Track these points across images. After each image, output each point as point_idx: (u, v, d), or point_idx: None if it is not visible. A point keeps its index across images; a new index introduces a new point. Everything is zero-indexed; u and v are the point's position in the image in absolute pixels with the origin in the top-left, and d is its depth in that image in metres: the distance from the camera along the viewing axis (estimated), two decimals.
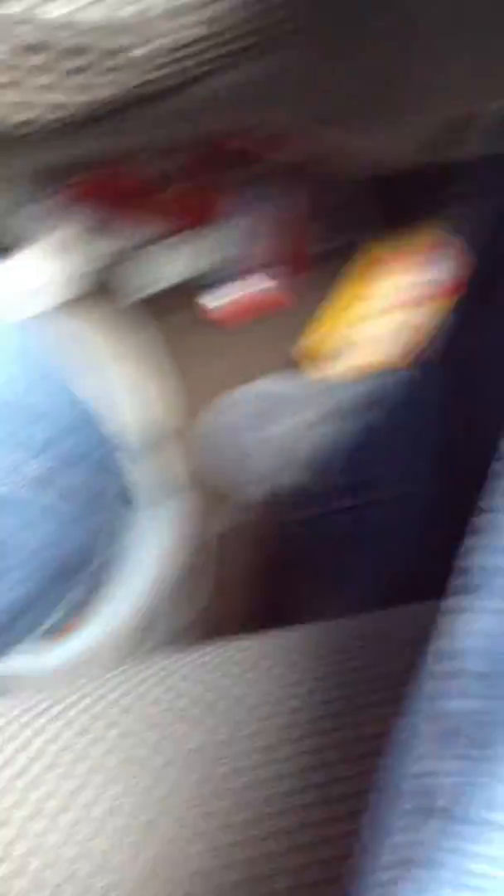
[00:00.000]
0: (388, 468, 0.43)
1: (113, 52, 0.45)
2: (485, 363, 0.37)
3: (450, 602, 0.18)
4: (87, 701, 0.31)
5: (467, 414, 0.38)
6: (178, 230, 0.78)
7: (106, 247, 0.77)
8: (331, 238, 0.78)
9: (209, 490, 0.70)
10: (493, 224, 0.35)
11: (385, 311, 0.77)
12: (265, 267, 0.76)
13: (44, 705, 0.32)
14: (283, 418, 0.71)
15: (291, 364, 0.74)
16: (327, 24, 0.48)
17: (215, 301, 0.77)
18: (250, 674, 0.29)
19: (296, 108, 0.57)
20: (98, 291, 0.77)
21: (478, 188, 0.35)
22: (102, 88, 0.48)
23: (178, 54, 0.49)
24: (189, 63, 0.51)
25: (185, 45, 0.49)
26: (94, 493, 0.49)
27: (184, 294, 0.77)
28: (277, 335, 0.76)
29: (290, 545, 0.55)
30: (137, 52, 0.47)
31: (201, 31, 0.48)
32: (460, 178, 0.81)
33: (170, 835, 0.26)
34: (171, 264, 0.78)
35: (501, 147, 0.69)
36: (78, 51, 0.44)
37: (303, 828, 0.25)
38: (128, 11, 0.44)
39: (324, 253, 0.78)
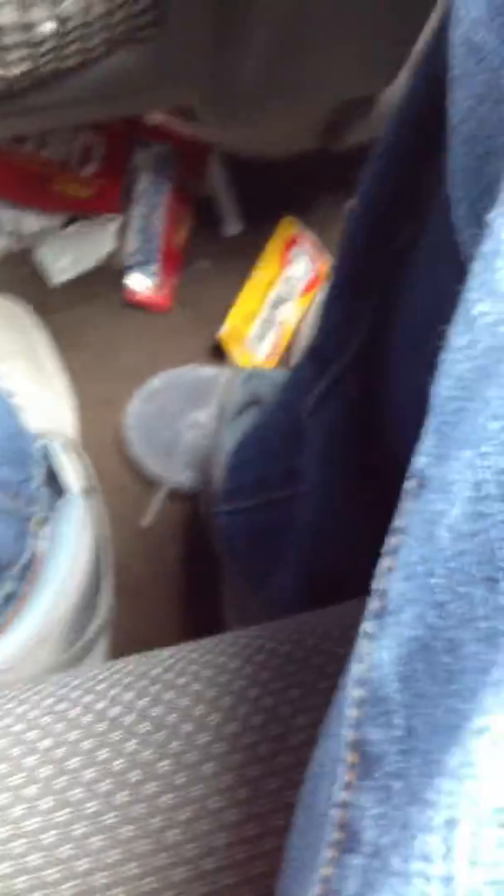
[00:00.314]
0: (309, 459, 0.42)
1: (24, 27, 0.43)
2: (388, 362, 0.37)
3: (365, 625, 0.18)
4: (26, 707, 0.30)
5: (376, 412, 0.38)
6: (93, 212, 0.76)
7: (23, 228, 0.75)
8: (247, 219, 0.78)
9: (136, 478, 0.69)
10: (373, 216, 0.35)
11: (302, 292, 0.77)
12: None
13: None
14: (209, 404, 0.70)
15: (217, 346, 0.74)
16: (212, 8, 0.48)
17: (140, 284, 0.75)
18: (171, 692, 0.29)
19: (190, 90, 0.56)
20: (19, 274, 0.75)
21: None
22: (14, 64, 0.46)
23: (88, 30, 0.48)
24: (96, 40, 0.49)
25: (92, 22, 0.47)
26: (18, 486, 0.48)
27: (109, 277, 0.76)
28: (203, 317, 0.75)
29: (220, 535, 0.54)
30: (48, 28, 0.45)
31: (104, 7, 0.47)
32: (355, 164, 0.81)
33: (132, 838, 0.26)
34: (94, 246, 0.76)
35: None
36: None
37: (235, 844, 0.25)
38: None
39: (240, 234, 0.77)
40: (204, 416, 0.70)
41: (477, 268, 0.17)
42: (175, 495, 0.68)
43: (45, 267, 0.76)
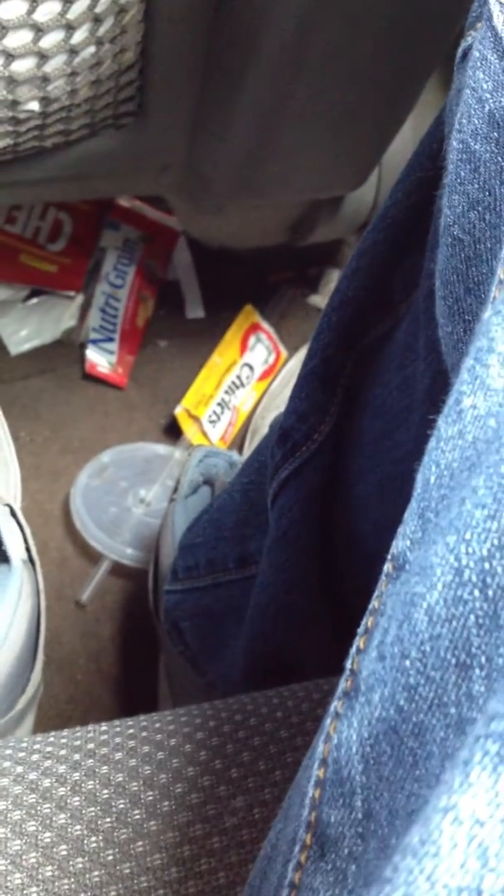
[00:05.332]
0: (267, 541, 0.42)
1: (10, 104, 0.44)
2: (353, 449, 0.37)
3: (334, 704, 0.18)
4: None
5: (335, 497, 0.38)
6: (56, 287, 0.77)
7: None
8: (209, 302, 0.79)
9: (79, 552, 0.68)
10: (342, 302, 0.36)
11: (258, 380, 0.78)
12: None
13: None
14: (157, 482, 0.70)
15: (170, 426, 0.74)
16: (193, 102, 0.50)
17: (98, 360, 0.76)
18: (106, 766, 0.28)
19: (164, 178, 0.58)
20: None
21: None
22: None
23: (71, 112, 0.50)
24: (78, 123, 0.51)
25: (76, 105, 0.49)
26: None
27: (67, 351, 0.76)
28: (158, 396, 0.76)
29: (167, 615, 0.53)
30: (33, 106, 0.47)
31: (91, 91, 0.48)
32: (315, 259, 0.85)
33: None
34: (54, 320, 0.77)
35: (350, 232, 0.73)
36: None
37: None
38: (26, 65, 0.44)
39: (201, 318, 0.79)
40: (151, 493, 0.70)
41: (468, 363, 0.18)
42: (116, 571, 0.67)
43: (4, 337, 0.76)
